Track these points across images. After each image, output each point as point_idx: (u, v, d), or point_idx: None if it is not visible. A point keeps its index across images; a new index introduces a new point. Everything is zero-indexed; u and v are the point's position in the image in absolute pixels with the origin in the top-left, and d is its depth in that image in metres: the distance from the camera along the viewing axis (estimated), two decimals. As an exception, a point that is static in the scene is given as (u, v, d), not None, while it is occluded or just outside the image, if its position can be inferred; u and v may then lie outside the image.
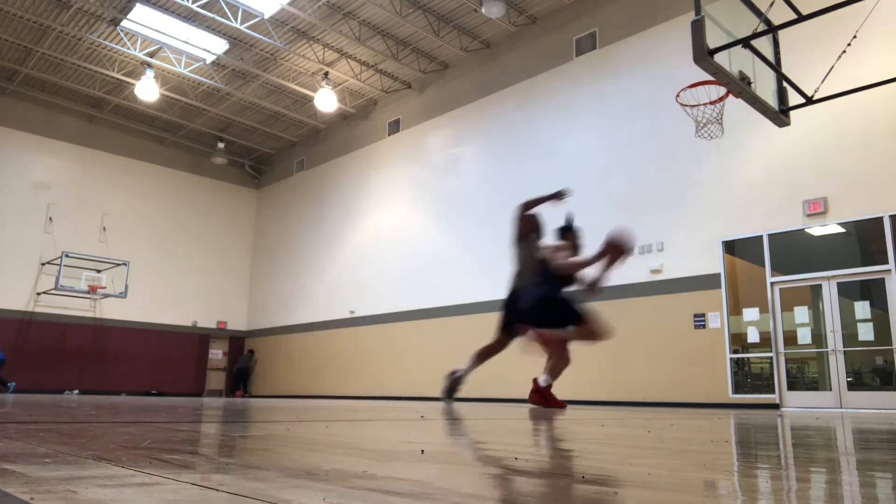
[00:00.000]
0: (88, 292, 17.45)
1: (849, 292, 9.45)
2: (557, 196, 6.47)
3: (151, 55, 15.98)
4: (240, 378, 20.24)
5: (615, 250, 6.14)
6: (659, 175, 11.44)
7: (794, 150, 9.89)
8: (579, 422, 4.09)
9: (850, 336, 9.24)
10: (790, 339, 9.77)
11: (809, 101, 6.57)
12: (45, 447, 1.73)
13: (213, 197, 21.42)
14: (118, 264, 18.01)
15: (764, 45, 6.27)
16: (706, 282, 10.51)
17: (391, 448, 2.00)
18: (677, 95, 8.11)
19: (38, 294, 17.47)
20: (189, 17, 14.26)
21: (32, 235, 17.64)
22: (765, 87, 6.27)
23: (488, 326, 13.25)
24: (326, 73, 16.20)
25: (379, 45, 15.24)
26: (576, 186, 12.79)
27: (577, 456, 1.81)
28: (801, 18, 5.57)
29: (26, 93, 17.83)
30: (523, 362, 13.00)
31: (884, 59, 9.07)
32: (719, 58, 5.34)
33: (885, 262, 8.91)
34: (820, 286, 9.61)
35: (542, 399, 6.19)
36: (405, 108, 17.14)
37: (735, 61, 5.66)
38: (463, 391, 13.50)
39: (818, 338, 9.55)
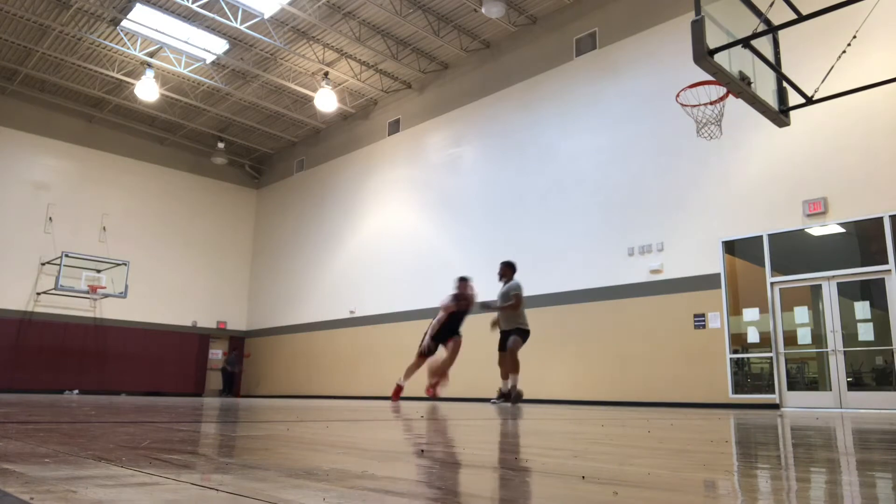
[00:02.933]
0: (88, 292, 17.44)
1: (849, 292, 9.45)
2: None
3: (151, 55, 15.98)
4: (227, 379, 20.00)
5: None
6: (659, 175, 11.43)
7: (794, 150, 9.88)
8: (579, 422, 4.09)
9: (850, 336, 9.24)
10: (790, 339, 9.77)
11: (809, 101, 6.57)
12: (45, 447, 1.73)
13: (214, 197, 21.41)
14: (118, 264, 18.00)
15: (764, 45, 6.27)
16: (706, 282, 10.50)
17: (391, 448, 2.00)
18: (677, 95, 8.10)
19: (38, 294, 17.46)
20: (189, 17, 14.25)
21: (32, 235, 17.63)
22: (765, 87, 6.26)
23: (488, 326, 13.15)
24: (326, 73, 16.20)
25: (379, 45, 15.23)
26: (575, 186, 12.84)
27: (577, 456, 1.81)
28: (801, 18, 5.57)
29: (26, 93, 17.83)
30: (527, 364, 12.97)
31: (884, 59, 9.06)
32: (719, 58, 5.34)
33: (885, 262, 8.90)
34: (820, 286, 9.60)
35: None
36: (405, 108, 17.14)
37: (735, 61, 5.65)
38: (467, 391, 13.47)
39: (818, 338, 9.54)
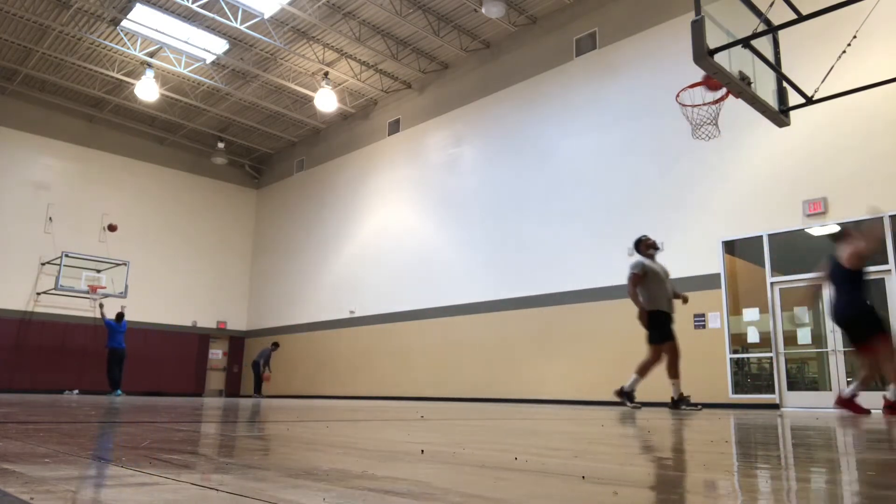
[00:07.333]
0: (88, 292, 17.43)
1: (849, 292, 9.43)
2: None
3: (151, 55, 15.97)
4: (256, 373, 18.02)
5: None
6: (659, 175, 11.43)
7: (794, 150, 9.88)
8: (579, 422, 4.09)
9: (850, 336, 9.22)
10: (790, 339, 9.76)
11: (809, 101, 6.57)
12: (45, 447, 1.73)
13: (213, 197, 21.40)
14: (118, 264, 18.00)
15: (764, 45, 6.26)
16: (706, 282, 10.50)
17: (391, 448, 2.00)
18: (677, 95, 8.10)
19: (38, 294, 17.45)
20: (189, 17, 14.25)
21: (32, 235, 17.62)
22: (765, 87, 6.26)
23: (488, 326, 13.24)
24: (326, 73, 16.19)
25: (379, 45, 15.23)
26: (575, 186, 12.84)
27: (577, 456, 1.81)
28: (801, 18, 5.57)
29: (26, 93, 17.82)
30: (527, 364, 12.96)
31: (884, 59, 9.06)
32: (719, 58, 5.34)
33: (885, 262, 8.90)
34: (820, 286, 9.59)
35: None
36: (405, 108, 17.14)
37: (735, 61, 5.65)
38: (468, 391, 13.46)
39: (818, 338, 9.54)
